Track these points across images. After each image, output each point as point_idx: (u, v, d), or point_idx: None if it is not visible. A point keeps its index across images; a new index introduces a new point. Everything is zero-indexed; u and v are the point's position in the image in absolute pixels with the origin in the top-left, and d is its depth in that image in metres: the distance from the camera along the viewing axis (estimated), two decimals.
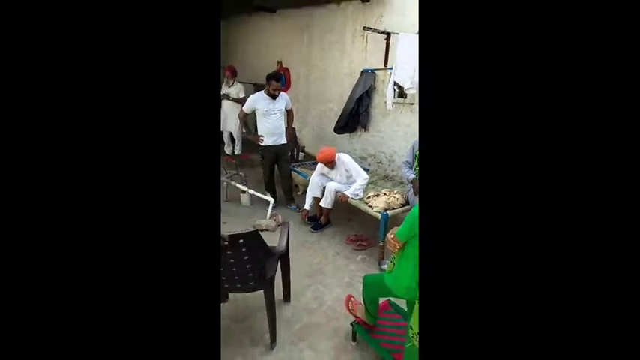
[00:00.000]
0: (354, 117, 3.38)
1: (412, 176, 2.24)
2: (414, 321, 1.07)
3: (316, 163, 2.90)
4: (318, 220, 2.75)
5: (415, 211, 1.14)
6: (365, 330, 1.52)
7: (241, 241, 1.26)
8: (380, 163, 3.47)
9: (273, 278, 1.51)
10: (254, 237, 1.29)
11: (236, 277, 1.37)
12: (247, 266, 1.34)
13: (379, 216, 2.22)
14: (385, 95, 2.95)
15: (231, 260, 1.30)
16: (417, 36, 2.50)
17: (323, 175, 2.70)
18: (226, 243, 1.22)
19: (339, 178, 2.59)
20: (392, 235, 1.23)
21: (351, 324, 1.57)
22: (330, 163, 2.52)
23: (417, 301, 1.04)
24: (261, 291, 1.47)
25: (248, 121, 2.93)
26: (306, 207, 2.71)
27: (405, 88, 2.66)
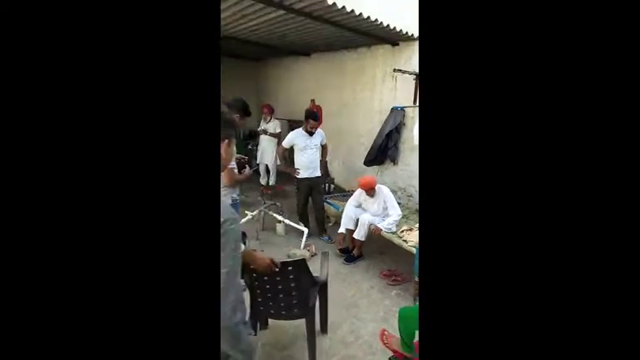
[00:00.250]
0: (384, 151, 3.53)
1: None
2: None
3: (347, 195, 3.00)
4: (351, 252, 2.79)
5: None
6: None
7: (290, 268, 1.37)
8: (410, 196, 3.51)
9: (314, 307, 1.58)
10: (302, 265, 1.39)
11: (282, 304, 1.45)
12: (293, 294, 1.43)
13: (414, 250, 2.24)
14: (413, 131, 3.08)
15: (279, 287, 1.40)
16: None
17: (358, 206, 2.78)
18: (277, 270, 1.32)
19: (376, 208, 2.66)
20: None
21: (389, 359, 1.57)
22: (371, 190, 2.60)
23: None
24: (302, 320, 1.53)
25: (287, 156, 3.16)
26: (341, 230, 2.77)
27: None
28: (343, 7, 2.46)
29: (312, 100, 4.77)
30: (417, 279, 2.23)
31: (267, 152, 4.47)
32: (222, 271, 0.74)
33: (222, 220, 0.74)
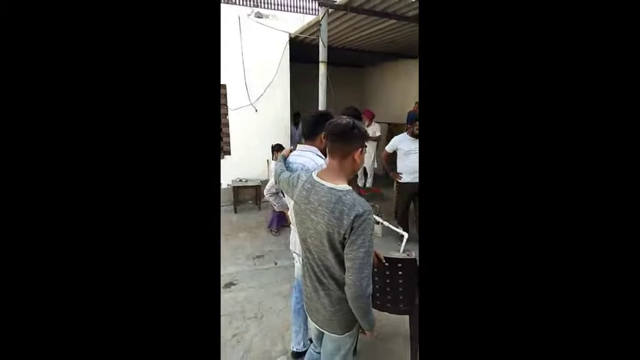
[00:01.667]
0: None
1: None
2: None
3: None
4: None
5: None
6: None
7: (400, 265, 1.45)
8: None
9: (418, 307, 1.61)
10: (411, 264, 1.46)
11: (388, 297, 1.55)
12: (400, 289, 1.51)
13: None
14: None
15: (387, 280, 1.50)
16: None
17: None
18: (386, 264, 1.43)
19: None
20: None
21: None
22: None
23: None
24: (405, 317, 1.59)
25: (389, 160, 3.23)
26: None
27: None
28: None
29: (417, 102, 4.68)
30: None
31: (366, 155, 4.64)
32: (362, 250, 0.90)
33: (363, 210, 0.90)
